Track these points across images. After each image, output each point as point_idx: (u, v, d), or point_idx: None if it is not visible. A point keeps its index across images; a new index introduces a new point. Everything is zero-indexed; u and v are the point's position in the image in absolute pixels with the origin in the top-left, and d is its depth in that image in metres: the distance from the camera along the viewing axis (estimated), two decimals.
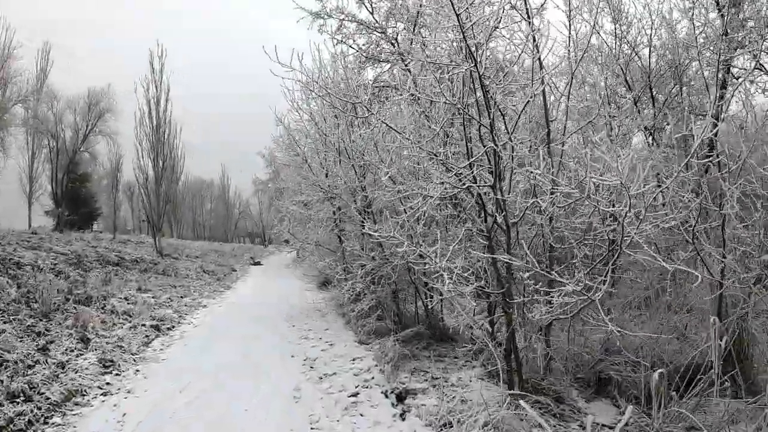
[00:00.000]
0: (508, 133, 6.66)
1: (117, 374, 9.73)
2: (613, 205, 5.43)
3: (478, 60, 6.14)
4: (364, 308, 12.39)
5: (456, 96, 6.55)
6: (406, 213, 7.71)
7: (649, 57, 11.40)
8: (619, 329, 5.22)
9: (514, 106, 7.29)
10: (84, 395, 8.48)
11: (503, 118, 6.72)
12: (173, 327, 15.03)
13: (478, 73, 6.19)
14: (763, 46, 8.77)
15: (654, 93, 11.50)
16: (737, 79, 8.82)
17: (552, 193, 6.01)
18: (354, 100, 9.32)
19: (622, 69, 11.20)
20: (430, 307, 12.33)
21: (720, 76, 8.13)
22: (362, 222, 11.59)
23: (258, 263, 43.05)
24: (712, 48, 9.32)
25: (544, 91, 7.59)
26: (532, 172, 6.14)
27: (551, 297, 5.84)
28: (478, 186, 6.56)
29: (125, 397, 8.43)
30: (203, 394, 8.53)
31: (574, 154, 8.03)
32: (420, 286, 12.17)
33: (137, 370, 10.04)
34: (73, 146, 44.83)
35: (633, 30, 11.53)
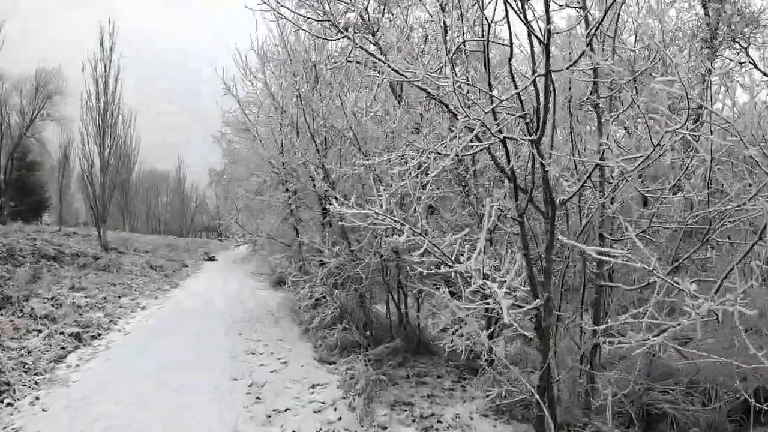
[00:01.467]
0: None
1: (10, 404, 7.31)
2: None
3: None
4: (326, 318, 9.73)
5: None
6: (387, 189, 5.16)
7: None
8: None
9: None
10: None
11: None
12: (100, 335, 12.47)
13: None
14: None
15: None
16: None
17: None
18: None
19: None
20: (404, 310, 9.96)
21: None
22: (323, 209, 9.10)
23: (212, 258, 39.93)
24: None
25: None
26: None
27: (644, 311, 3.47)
28: (517, 139, 4.03)
29: None
30: None
31: None
32: (394, 288, 9.79)
33: (36, 398, 7.59)
34: (19, 130, 40.88)
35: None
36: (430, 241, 3.80)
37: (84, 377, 8.67)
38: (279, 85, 11.26)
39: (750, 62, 9.66)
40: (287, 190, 11.32)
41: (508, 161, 4.47)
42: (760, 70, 9.23)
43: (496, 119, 4.39)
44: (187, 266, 31.69)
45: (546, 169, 4.21)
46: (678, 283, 3.08)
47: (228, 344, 11.08)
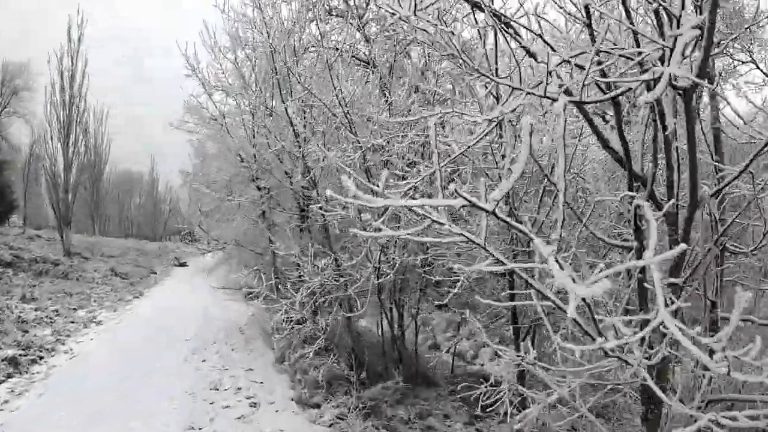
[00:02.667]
0: None
1: None
2: None
3: None
4: (308, 353, 7.68)
5: None
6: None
7: None
8: None
9: None
10: None
11: None
12: (41, 358, 10.57)
13: None
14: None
15: None
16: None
17: None
18: None
19: None
20: (397, 332, 8.15)
21: None
22: (301, 210, 7.20)
23: (183, 264, 37.32)
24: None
25: None
26: None
27: None
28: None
29: None
30: None
31: None
32: (387, 307, 7.95)
33: None
34: None
35: None
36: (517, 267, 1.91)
37: (5, 423, 6.76)
38: (251, 65, 9.34)
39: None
40: (258, 188, 9.35)
41: (621, 132, 2.59)
42: None
43: (599, 61, 2.52)
44: (155, 273, 29.34)
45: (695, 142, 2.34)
46: None
47: (188, 374, 9.04)
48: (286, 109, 6.91)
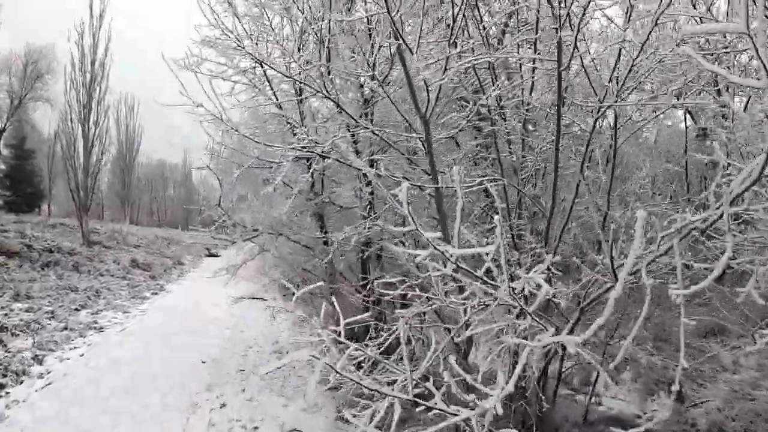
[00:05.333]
0: None
1: None
2: None
3: None
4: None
5: None
6: None
7: None
8: None
9: None
10: None
11: None
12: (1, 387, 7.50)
13: None
14: None
15: None
16: None
17: None
18: None
19: None
20: None
21: None
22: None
23: (214, 255, 33.98)
24: None
25: None
26: None
27: None
28: None
29: None
30: None
31: None
32: None
33: None
34: (8, 113, 35.14)
35: None
36: None
37: None
38: None
39: None
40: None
41: None
42: None
43: None
44: (183, 264, 25.95)
45: None
46: None
47: None
48: None
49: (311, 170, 5.90)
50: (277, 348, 9.18)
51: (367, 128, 4.22)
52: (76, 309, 13.30)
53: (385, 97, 4.13)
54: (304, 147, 4.58)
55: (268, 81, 7.05)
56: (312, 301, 7.48)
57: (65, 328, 11.26)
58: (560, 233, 4.10)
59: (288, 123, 7.20)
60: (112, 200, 48.85)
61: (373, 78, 3.92)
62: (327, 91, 4.23)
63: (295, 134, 7.04)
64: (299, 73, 4.70)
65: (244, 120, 8.19)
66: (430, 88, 3.63)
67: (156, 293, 17.32)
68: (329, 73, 5.34)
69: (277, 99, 7.55)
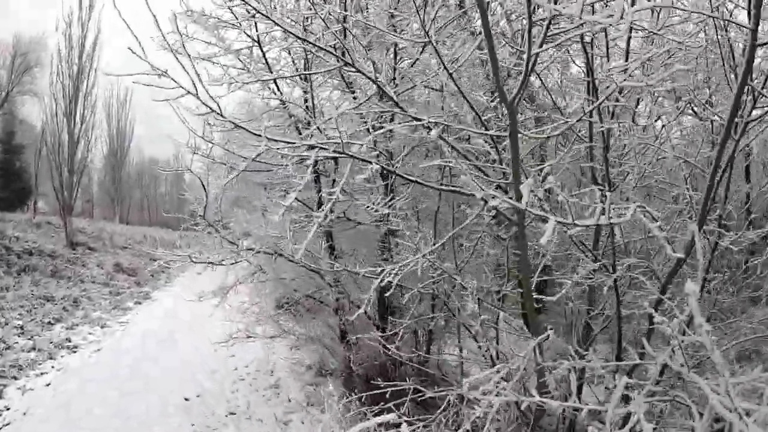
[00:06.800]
0: None
1: None
2: None
3: None
4: None
5: None
6: None
7: None
8: None
9: None
10: None
11: None
12: None
13: None
14: None
15: None
16: None
17: None
18: None
19: None
20: None
21: None
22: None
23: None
24: None
25: None
26: None
27: None
28: None
29: None
30: None
31: None
32: None
33: None
34: None
35: None
36: None
37: None
38: None
39: None
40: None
41: None
42: None
43: None
44: (171, 267, 24.39)
45: None
46: None
47: None
48: None
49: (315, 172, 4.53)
50: (275, 381, 7.74)
51: (418, 120, 2.85)
52: (50, 323, 11.88)
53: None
54: (313, 147, 3.27)
55: (267, 65, 5.68)
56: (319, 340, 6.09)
57: (33, 348, 9.87)
58: None
59: (291, 116, 5.83)
60: (103, 198, 47.12)
61: (427, 44, 2.57)
62: (354, 64, 2.87)
63: (300, 133, 5.68)
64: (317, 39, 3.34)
65: (235, 114, 6.79)
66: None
67: (140, 302, 15.84)
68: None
69: (278, 88, 6.22)
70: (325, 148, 2.86)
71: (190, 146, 5.54)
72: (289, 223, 4.92)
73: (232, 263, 5.75)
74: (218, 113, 3.16)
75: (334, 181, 6.01)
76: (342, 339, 6.25)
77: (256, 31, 5.39)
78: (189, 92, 3.00)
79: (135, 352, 9.99)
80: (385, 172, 4.37)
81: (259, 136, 3.17)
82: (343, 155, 3.10)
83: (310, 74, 5.18)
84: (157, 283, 20.14)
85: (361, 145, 2.83)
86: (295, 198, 3.56)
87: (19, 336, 10.58)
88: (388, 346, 4.16)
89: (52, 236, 23.06)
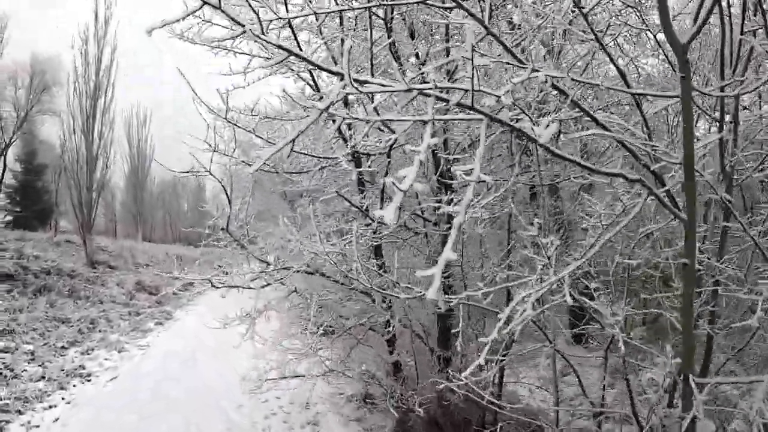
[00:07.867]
0: None
1: None
2: None
3: None
4: None
5: None
6: None
7: None
8: None
9: None
10: None
11: None
12: None
13: None
14: None
15: None
16: None
17: None
18: None
19: None
20: None
21: None
22: None
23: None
24: None
25: None
26: None
27: None
28: None
29: None
30: None
31: None
32: None
33: None
34: (13, 127, 33.06)
35: None
36: None
37: None
38: None
39: None
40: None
41: None
42: None
43: None
44: (195, 285, 23.48)
45: None
46: None
47: None
48: None
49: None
50: (313, 417, 6.64)
51: None
52: (63, 347, 10.98)
53: None
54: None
55: (299, 45, 4.71)
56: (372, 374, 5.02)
57: (42, 377, 8.93)
58: None
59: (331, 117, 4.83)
60: (126, 216, 46.78)
61: None
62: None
63: (345, 140, 4.65)
64: None
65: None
66: None
67: (161, 323, 14.92)
68: None
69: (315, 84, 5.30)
70: (445, 99, 1.80)
71: (208, 142, 4.64)
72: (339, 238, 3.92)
73: (262, 286, 4.70)
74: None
75: (383, 190, 5.00)
76: (395, 371, 5.18)
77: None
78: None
79: (156, 374, 9.08)
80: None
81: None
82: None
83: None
84: (180, 302, 19.21)
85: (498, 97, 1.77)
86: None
87: (29, 363, 9.70)
88: (475, 390, 3.09)
89: (72, 255, 22.36)
